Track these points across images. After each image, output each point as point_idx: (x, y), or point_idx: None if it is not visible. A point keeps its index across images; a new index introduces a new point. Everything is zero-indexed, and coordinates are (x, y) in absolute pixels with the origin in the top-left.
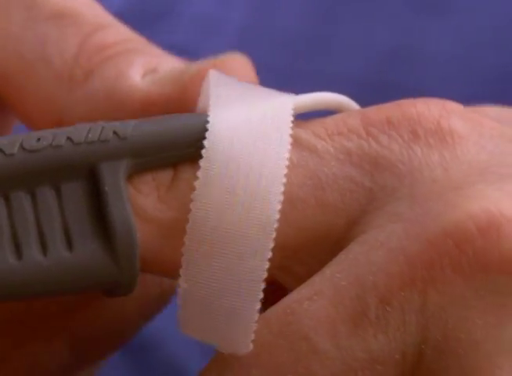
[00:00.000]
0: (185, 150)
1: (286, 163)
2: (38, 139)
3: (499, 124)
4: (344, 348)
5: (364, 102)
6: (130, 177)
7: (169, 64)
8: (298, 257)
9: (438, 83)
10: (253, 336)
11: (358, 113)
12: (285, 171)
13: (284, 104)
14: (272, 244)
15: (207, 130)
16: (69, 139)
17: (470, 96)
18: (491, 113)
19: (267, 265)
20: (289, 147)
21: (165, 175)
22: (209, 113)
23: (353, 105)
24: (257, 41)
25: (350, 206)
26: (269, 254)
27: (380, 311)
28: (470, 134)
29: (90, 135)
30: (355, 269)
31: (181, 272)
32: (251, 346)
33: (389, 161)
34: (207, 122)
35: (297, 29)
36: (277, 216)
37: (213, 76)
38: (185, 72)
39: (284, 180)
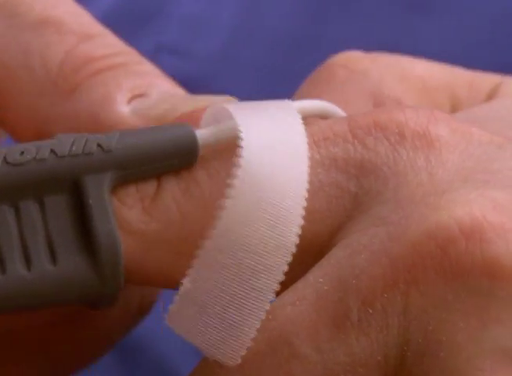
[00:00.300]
0: (169, 161)
1: (307, 186)
2: (22, 153)
3: (487, 132)
4: (325, 352)
5: None
6: (114, 189)
7: (159, 88)
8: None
9: None
10: (244, 352)
11: (346, 118)
12: (306, 194)
13: (295, 120)
14: (286, 267)
15: (195, 141)
16: (52, 151)
17: None
18: (479, 114)
19: (277, 287)
20: (308, 169)
21: (149, 187)
22: (238, 125)
23: (339, 112)
24: (247, 41)
25: (336, 213)
26: (282, 277)
27: (362, 313)
28: (458, 142)
29: (74, 148)
30: (337, 272)
31: (189, 272)
32: (239, 361)
33: (374, 164)
34: (193, 132)
35: (286, 29)
36: (297, 240)
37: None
38: (175, 109)
39: (305, 204)
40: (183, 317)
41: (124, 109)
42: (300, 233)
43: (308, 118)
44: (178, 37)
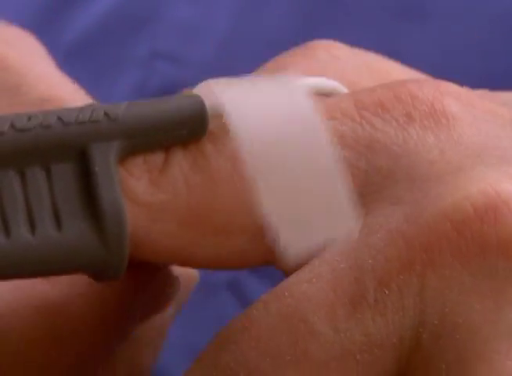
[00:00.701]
0: (177, 132)
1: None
2: (29, 119)
3: (493, 106)
4: (342, 331)
5: None
6: (121, 159)
7: None
8: None
9: None
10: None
11: (351, 97)
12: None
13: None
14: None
15: (204, 111)
16: (59, 118)
17: None
18: (487, 96)
19: None
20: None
21: (157, 158)
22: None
23: (342, 89)
24: (242, 46)
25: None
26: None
27: (378, 294)
28: (465, 115)
29: (81, 116)
30: (354, 252)
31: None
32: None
33: (384, 144)
34: (203, 103)
35: (281, 34)
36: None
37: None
38: None
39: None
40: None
41: None
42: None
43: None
44: (173, 43)
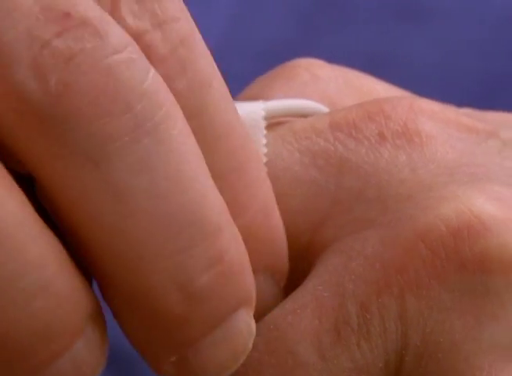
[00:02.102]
0: None
1: (265, 150)
2: None
3: (469, 123)
4: (329, 359)
5: None
6: None
7: None
8: None
9: (418, 90)
10: None
11: (327, 117)
12: (264, 159)
13: (256, 107)
14: None
15: None
16: None
17: (450, 103)
18: (463, 113)
19: None
20: (264, 140)
21: None
22: None
23: (323, 110)
24: (237, 52)
25: (314, 211)
26: None
27: (361, 319)
28: (439, 134)
29: None
30: (335, 279)
31: None
32: None
33: (355, 163)
34: None
35: (277, 39)
36: None
37: None
38: None
39: (265, 169)
40: None
41: None
42: None
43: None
44: None
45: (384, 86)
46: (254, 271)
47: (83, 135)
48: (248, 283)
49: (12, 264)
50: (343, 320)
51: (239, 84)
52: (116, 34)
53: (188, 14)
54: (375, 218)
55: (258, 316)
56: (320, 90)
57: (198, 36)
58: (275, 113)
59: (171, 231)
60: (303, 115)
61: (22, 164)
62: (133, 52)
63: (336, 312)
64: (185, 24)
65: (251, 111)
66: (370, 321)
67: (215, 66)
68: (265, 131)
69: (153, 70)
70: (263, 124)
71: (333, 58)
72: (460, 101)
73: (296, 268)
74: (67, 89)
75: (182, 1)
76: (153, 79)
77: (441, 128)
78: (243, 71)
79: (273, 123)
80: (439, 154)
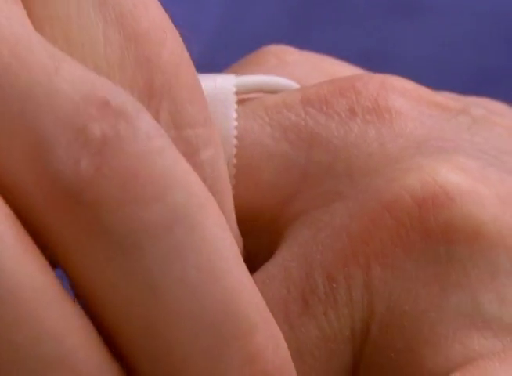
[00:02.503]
0: None
1: (235, 124)
2: None
3: (441, 100)
4: (297, 328)
5: None
6: None
7: None
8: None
9: None
10: None
11: (298, 93)
12: (234, 132)
13: (227, 81)
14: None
15: None
16: None
17: None
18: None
19: None
20: (235, 114)
21: None
22: None
23: (295, 86)
24: (228, 47)
25: (284, 184)
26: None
27: (327, 288)
28: (409, 110)
29: None
30: (303, 250)
31: None
32: None
33: (325, 138)
34: None
35: (268, 35)
36: (232, 181)
37: None
38: None
39: (235, 142)
40: None
41: None
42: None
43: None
44: None
45: (351, 69)
46: None
47: (113, 222)
48: None
49: (27, 330)
50: (310, 290)
51: None
52: (149, 123)
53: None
54: (343, 191)
55: None
56: (287, 74)
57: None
58: (247, 88)
59: (202, 326)
60: (274, 91)
61: (49, 250)
62: (165, 141)
63: (303, 281)
64: (208, 131)
65: (222, 86)
66: (337, 290)
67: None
68: (235, 106)
69: (183, 160)
70: (234, 98)
71: (325, 54)
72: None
73: (265, 241)
74: (98, 173)
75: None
76: (184, 168)
77: (411, 105)
78: None
79: (244, 98)
80: (408, 129)
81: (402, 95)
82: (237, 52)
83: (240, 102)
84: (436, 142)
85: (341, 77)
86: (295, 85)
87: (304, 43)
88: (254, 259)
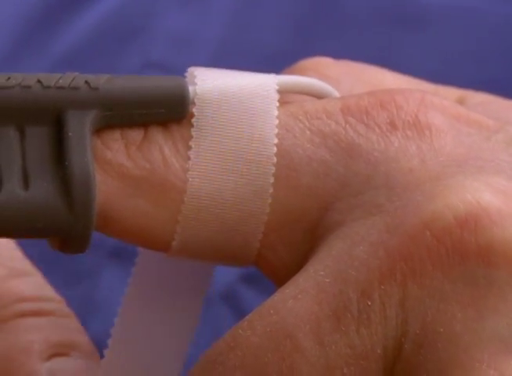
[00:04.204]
0: (156, 110)
1: (276, 122)
2: (8, 78)
3: (479, 119)
4: (328, 345)
5: None
6: (99, 131)
7: (80, 349)
8: (269, 242)
9: None
10: None
11: (339, 101)
12: (275, 131)
13: (269, 79)
14: (267, 209)
15: (185, 92)
16: (39, 81)
17: None
18: (475, 101)
19: (262, 228)
20: (276, 112)
21: (135, 134)
22: (195, 80)
23: (335, 94)
24: (234, 56)
25: (322, 190)
26: (265, 219)
27: (361, 305)
28: (449, 128)
29: (61, 81)
30: (337, 265)
31: (175, 236)
32: None
33: (365, 149)
34: (185, 85)
35: (273, 44)
36: (271, 180)
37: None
38: None
39: (276, 141)
40: None
41: (39, 366)
42: (273, 171)
43: (303, 96)
44: (165, 53)
45: (394, 76)
46: None
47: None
48: None
49: None
50: (343, 307)
51: None
52: None
53: None
54: (382, 205)
55: None
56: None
57: None
58: (288, 88)
59: None
60: (315, 95)
61: None
62: None
63: (337, 298)
64: None
65: (264, 83)
66: (371, 308)
67: None
68: (277, 104)
69: None
70: (276, 96)
71: None
72: None
73: (300, 249)
74: None
75: None
76: None
77: (451, 123)
78: None
79: (284, 101)
80: (448, 148)
81: (442, 113)
82: (242, 62)
83: (279, 103)
84: (475, 161)
85: (382, 89)
86: (336, 93)
87: (308, 53)
88: (288, 269)
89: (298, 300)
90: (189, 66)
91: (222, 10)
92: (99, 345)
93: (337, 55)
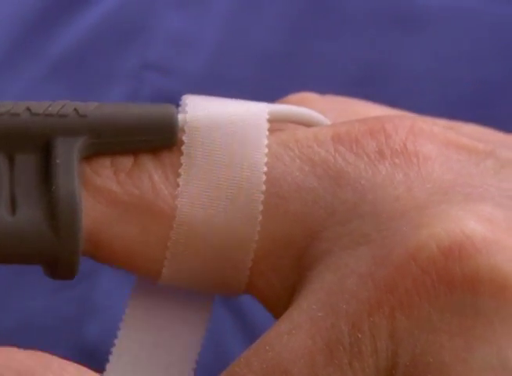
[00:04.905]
0: (145, 137)
1: (266, 150)
2: None
3: (469, 143)
4: None
5: None
6: (89, 159)
7: None
8: (259, 269)
9: (413, 99)
10: None
11: (330, 130)
12: (265, 159)
13: (260, 108)
14: (256, 236)
15: (173, 120)
16: (28, 109)
17: (444, 112)
18: (463, 131)
19: (252, 255)
20: (266, 141)
21: (125, 161)
22: (186, 108)
23: (325, 122)
24: (233, 57)
25: (310, 217)
26: (254, 246)
27: (353, 338)
28: (437, 155)
29: (50, 109)
30: (329, 298)
31: (165, 262)
32: None
33: (352, 177)
34: (174, 112)
35: (271, 45)
36: (260, 207)
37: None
38: None
39: (265, 169)
40: None
41: None
42: (262, 199)
43: (293, 125)
44: (164, 54)
45: (376, 109)
46: None
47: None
48: None
49: None
50: (336, 340)
51: (235, 90)
52: None
53: None
54: (369, 234)
55: None
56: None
57: None
58: (279, 116)
59: None
60: (305, 124)
61: None
62: None
63: (329, 331)
64: None
65: (255, 111)
66: (362, 340)
67: None
68: (267, 133)
69: None
70: (266, 125)
71: (326, 66)
72: (454, 109)
73: (289, 276)
74: None
75: None
76: None
77: (439, 150)
78: (239, 78)
79: (274, 129)
80: (435, 175)
81: (430, 140)
82: (239, 64)
83: (270, 131)
84: (463, 188)
85: (372, 117)
86: (327, 121)
87: (305, 55)
88: (279, 296)
89: (292, 335)
90: (187, 66)
91: (221, 11)
92: (97, 346)
93: (334, 56)
